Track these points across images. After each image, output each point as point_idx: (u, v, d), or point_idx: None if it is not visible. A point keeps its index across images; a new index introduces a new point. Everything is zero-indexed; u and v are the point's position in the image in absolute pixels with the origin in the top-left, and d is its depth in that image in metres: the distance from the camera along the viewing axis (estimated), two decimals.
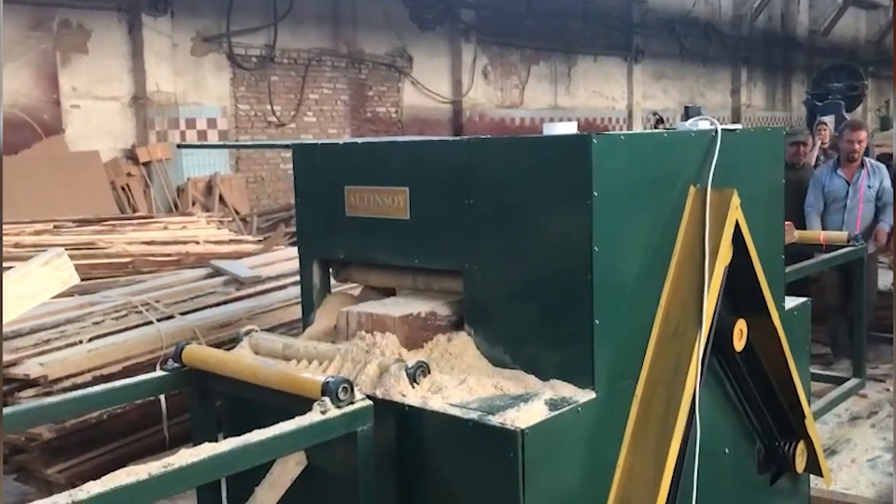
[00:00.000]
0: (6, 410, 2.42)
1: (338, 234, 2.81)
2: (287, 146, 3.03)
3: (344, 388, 2.12)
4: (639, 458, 2.34)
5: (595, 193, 2.20)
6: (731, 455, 2.86)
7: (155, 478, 1.76)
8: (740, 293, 2.70)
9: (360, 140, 2.87)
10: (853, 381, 4.63)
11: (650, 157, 2.45)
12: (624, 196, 2.32)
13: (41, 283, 2.62)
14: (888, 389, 5.25)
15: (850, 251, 4.55)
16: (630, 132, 2.48)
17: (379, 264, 2.80)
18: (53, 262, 2.68)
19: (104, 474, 3.68)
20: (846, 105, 14.24)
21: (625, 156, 2.33)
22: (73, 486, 3.60)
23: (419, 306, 2.56)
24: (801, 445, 3.09)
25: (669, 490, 2.30)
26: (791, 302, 3.25)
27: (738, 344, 2.65)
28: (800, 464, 3.10)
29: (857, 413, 4.85)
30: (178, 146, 3.93)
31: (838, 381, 4.65)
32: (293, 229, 9.62)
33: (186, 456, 1.84)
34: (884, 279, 6.67)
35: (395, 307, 2.57)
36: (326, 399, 2.10)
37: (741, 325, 2.65)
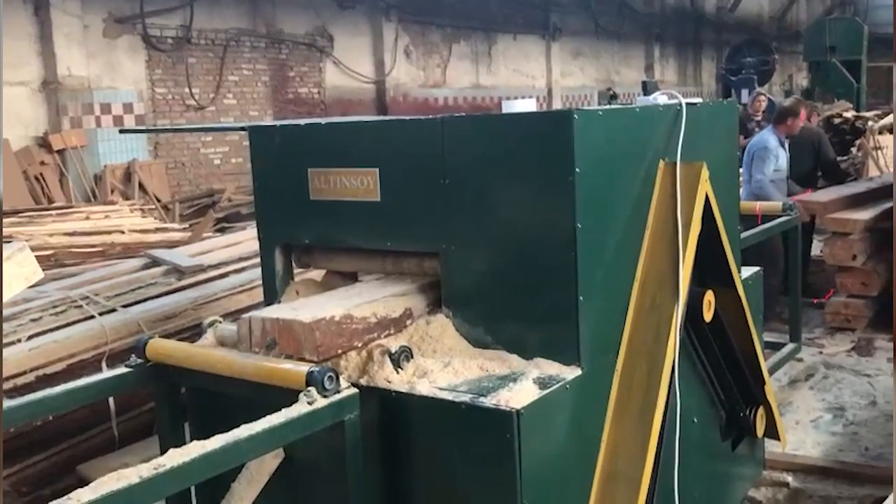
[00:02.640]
0: None
1: (301, 219, 2.73)
2: (243, 128, 2.91)
3: (329, 377, 2.06)
4: (623, 430, 2.36)
5: (577, 169, 2.18)
6: (698, 423, 2.91)
7: (147, 481, 1.68)
8: (708, 265, 2.74)
9: (323, 121, 2.77)
10: (791, 346, 4.79)
11: (624, 132, 2.45)
12: (603, 171, 2.31)
13: (3, 280, 2.43)
14: (821, 352, 5.46)
15: (787, 220, 4.69)
16: (606, 107, 2.48)
17: (345, 248, 2.73)
18: (15, 258, 2.50)
19: (51, 478, 3.51)
20: (758, 79, 14.72)
21: (602, 131, 2.33)
22: (19, 493, 3.43)
23: (355, 300, 2.38)
24: (760, 410, 3.18)
25: (654, 459, 2.33)
26: (745, 271, 3.33)
27: (708, 315, 2.69)
28: (760, 428, 3.20)
29: (796, 377, 5.03)
30: (121, 132, 3.69)
31: (775, 347, 4.80)
32: (220, 215, 9.38)
33: (177, 456, 1.76)
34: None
35: (310, 309, 2.33)
36: (312, 389, 2.04)
37: (709, 297, 2.70)
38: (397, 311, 2.42)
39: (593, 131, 2.26)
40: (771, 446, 3.60)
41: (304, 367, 2.10)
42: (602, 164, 2.31)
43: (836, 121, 11.79)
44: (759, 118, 9.53)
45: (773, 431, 3.30)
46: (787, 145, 6.30)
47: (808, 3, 28.15)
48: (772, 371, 4.49)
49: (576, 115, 2.18)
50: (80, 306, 3.86)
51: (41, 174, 9.34)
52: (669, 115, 2.64)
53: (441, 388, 2.16)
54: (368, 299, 2.41)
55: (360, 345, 2.30)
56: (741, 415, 3.13)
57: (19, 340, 3.54)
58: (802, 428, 4.26)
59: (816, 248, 6.81)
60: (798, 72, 23.90)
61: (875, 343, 5.56)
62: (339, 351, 2.25)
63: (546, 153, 2.22)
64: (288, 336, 2.23)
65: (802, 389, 4.84)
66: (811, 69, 16.23)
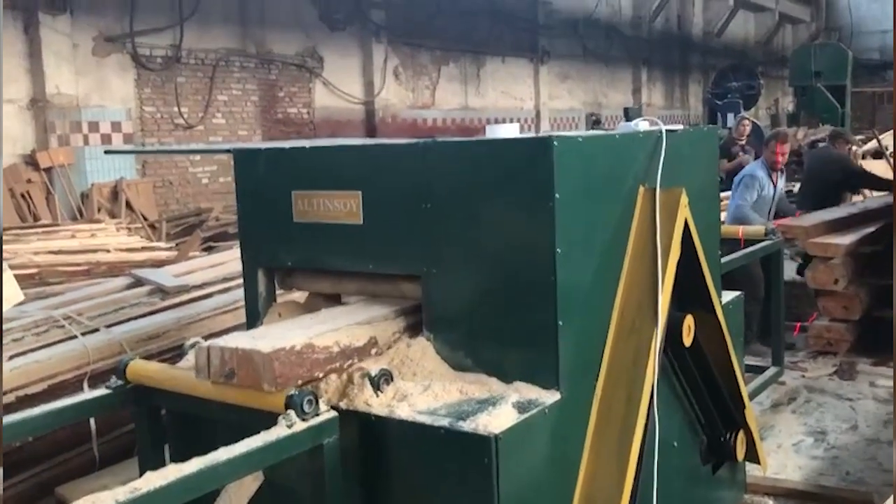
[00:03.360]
0: None
1: (285, 241, 2.74)
2: (228, 151, 2.93)
3: (309, 400, 2.07)
4: (602, 455, 2.37)
5: (557, 195, 2.21)
6: (679, 448, 2.92)
7: None
8: (687, 290, 2.76)
9: (307, 143, 2.79)
10: (773, 370, 4.82)
11: (604, 158, 2.48)
12: (582, 197, 2.34)
13: None
14: (804, 375, 5.49)
15: (769, 244, 4.73)
16: (585, 134, 2.51)
17: (328, 271, 2.74)
18: None
19: (30, 500, 3.48)
20: (744, 103, 14.87)
21: (582, 158, 2.35)
22: None
23: (318, 328, 2.33)
24: (740, 435, 3.19)
25: (633, 484, 2.34)
26: (726, 296, 3.36)
27: (687, 339, 2.71)
28: (740, 452, 3.21)
29: (778, 400, 5.05)
30: (106, 152, 3.71)
31: (758, 371, 4.83)
32: (208, 234, 9.37)
33: (154, 479, 1.76)
34: (789, 270, 6.99)
35: (270, 337, 2.27)
36: (291, 412, 2.05)
37: (689, 321, 2.72)
38: (361, 339, 2.37)
39: (573, 158, 2.28)
40: (752, 470, 3.61)
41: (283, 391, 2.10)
42: (582, 189, 2.33)
43: (821, 145, 11.93)
44: (743, 142, 9.62)
45: (753, 455, 3.31)
46: (777, 177, 6.37)
47: (794, 28, 28.52)
48: (754, 394, 4.52)
49: (556, 142, 2.20)
50: (63, 326, 3.85)
51: (28, 192, 9.32)
52: (650, 142, 2.67)
53: (420, 412, 2.17)
54: (332, 327, 2.36)
55: (321, 375, 2.25)
56: (721, 439, 3.14)
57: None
58: (784, 452, 4.28)
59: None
60: (784, 96, 24.15)
61: (857, 367, 5.60)
62: (300, 382, 2.19)
63: (526, 179, 2.25)
64: (247, 366, 2.16)
65: (785, 413, 4.86)
66: (797, 94, 16.45)
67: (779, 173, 6.36)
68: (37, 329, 3.81)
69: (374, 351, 2.39)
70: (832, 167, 7.75)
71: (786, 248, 6.92)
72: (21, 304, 4.45)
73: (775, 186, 6.34)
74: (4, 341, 3.66)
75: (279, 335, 2.29)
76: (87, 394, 2.60)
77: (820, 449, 4.33)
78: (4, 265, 2.64)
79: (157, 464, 2.43)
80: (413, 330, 2.53)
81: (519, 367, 2.31)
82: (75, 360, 3.63)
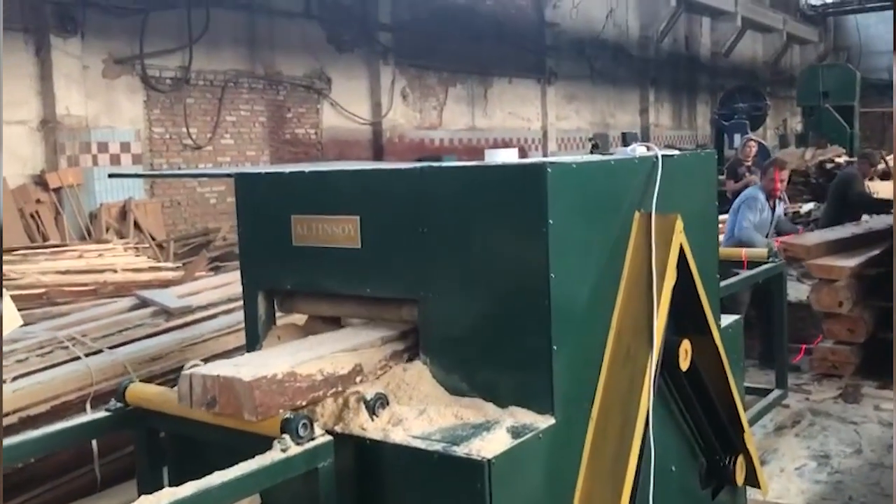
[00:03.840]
0: None
1: (284, 264, 2.77)
2: (229, 175, 2.96)
3: (304, 424, 2.09)
4: (597, 480, 2.37)
5: (550, 221, 2.23)
6: (677, 472, 2.92)
7: None
8: (684, 314, 2.78)
9: (307, 168, 2.83)
10: (777, 392, 4.81)
11: (599, 184, 2.51)
12: (576, 222, 2.36)
13: None
14: (807, 398, 5.47)
15: (772, 267, 4.74)
16: (580, 159, 2.53)
17: (327, 294, 2.76)
18: None
19: None
20: (750, 124, 14.89)
21: (576, 183, 2.38)
22: None
23: (302, 356, 2.31)
24: (740, 459, 3.19)
25: None
26: (725, 320, 3.36)
27: (684, 364, 2.72)
28: (739, 477, 3.20)
29: (781, 423, 5.03)
30: (110, 176, 3.77)
31: (762, 393, 4.82)
32: (215, 254, 9.42)
33: (149, 503, 1.77)
34: (794, 291, 6.98)
35: (253, 365, 2.25)
36: (286, 436, 2.06)
37: (686, 346, 2.72)
38: (346, 367, 2.34)
39: (567, 184, 2.31)
40: (755, 494, 3.60)
41: (279, 414, 2.12)
42: (576, 215, 2.35)
43: (829, 165, 11.93)
44: (749, 163, 9.64)
45: (753, 479, 3.30)
46: (776, 202, 6.44)
47: (802, 49, 28.60)
48: (757, 417, 4.52)
49: (549, 168, 2.23)
50: (67, 347, 3.88)
51: (37, 212, 9.40)
52: (646, 167, 2.69)
53: (415, 437, 2.18)
54: (316, 355, 2.34)
55: (303, 403, 2.22)
56: (721, 463, 3.13)
57: (4, 381, 3.55)
58: (787, 476, 4.26)
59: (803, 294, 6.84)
60: (792, 116, 24.19)
61: (862, 390, 5.57)
62: (280, 410, 2.15)
63: (520, 205, 2.27)
64: (228, 394, 2.15)
65: (788, 436, 4.84)
66: (805, 114, 16.46)
67: (776, 199, 6.43)
68: (41, 350, 3.84)
69: (358, 379, 2.37)
70: (842, 187, 7.91)
71: (791, 269, 6.95)
72: (27, 324, 4.49)
73: (773, 211, 6.40)
74: (9, 362, 3.70)
75: (262, 363, 2.27)
76: (89, 416, 2.63)
77: (823, 473, 4.31)
78: (4, 290, 2.66)
79: (156, 486, 2.44)
80: (401, 356, 2.52)
81: (514, 391, 2.32)
82: (78, 381, 3.66)
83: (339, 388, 2.31)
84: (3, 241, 2.73)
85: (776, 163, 6.71)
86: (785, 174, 6.56)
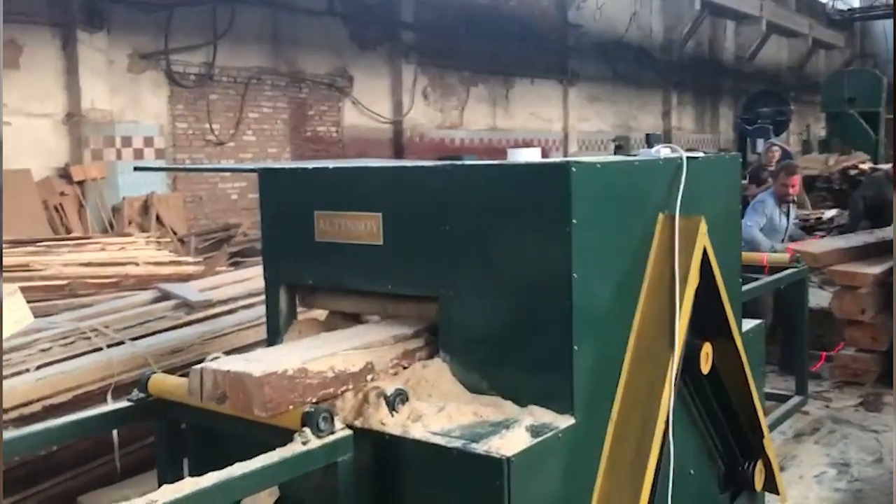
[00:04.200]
0: None
1: (306, 260, 2.78)
2: (253, 170, 2.98)
3: (324, 417, 2.09)
4: (615, 481, 2.36)
5: (574, 220, 2.23)
6: (695, 475, 2.91)
7: None
8: (706, 317, 2.76)
9: (330, 165, 2.84)
10: (797, 399, 4.77)
11: (623, 185, 2.50)
12: (600, 223, 2.35)
13: None
14: (828, 406, 5.43)
15: (794, 272, 4.70)
16: (604, 160, 2.53)
17: (348, 290, 2.77)
18: (6, 302, 2.54)
19: None
20: (774, 129, 14.79)
21: (601, 183, 2.37)
22: None
23: (314, 352, 2.28)
24: (759, 464, 3.17)
25: None
26: (747, 324, 3.34)
27: (705, 367, 2.71)
28: (758, 482, 3.18)
29: (801, 430, 4.99)
30: (136, 169, 3.80)
31: (781, 399, 4.78)
32: (235, 249, 9.48)
33: (169, 492, 1.79)
34: (815, 298, 6.92)
35: (265, 361, 2.22)
36: (307, 429, 2.07)
37: (707, 349, 2.71)
38: (357, 365, 2.32)
39: (591, 184, 2.30)
40: (773, 501, 3.57)
41: (300, 407, 2.13)
42: (599, 215, 2.35)
43: (853, 172, 11.82)
44: (772, 168, 9.57)
45: (772, 486, 3.28)
46: (788, 208, 6.45)
47: (828, 54, 28.34)
48: (777, 423, 4.48)
49: (573, 168, 2.22)
50: (89, 338, 3.92)
51: (60, 204, 9.50)
52: (670, 169, 2.68)
53: (434, 433, 2.18)
54: (328, 352, 2.32)
55: (314, 400, 2.19)
56: (740, 468, 3.12)
57: (28, 370, 3.60)
58: (806, 483, 4.23)
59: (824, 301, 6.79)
60: (816, 122, 23.98)
61: (883, 398, 5.52)
62: (290, 407, 2.13)
63: (544, 204, 2.27)
64: (238, 390, 2.13)
65: (807, 443, 4.80)
66: (829, 120, 16.30)
67: (790, 205, 6.43)
68: (64, 340, 3.89)
69: (370, 377, 2.35)
70: (868, 191, 7.84)
71: (812, 276, 6.90)
72: (50, 315, 4.54)
73: (787, 217, 6.39)
74: (32, 351, 3.74)
75: (273, 359, 2.25)
76: (111, 406, 2.65)
77: (843, 481, 4.27)
78: (15, 287, 2.68)
79: (176, 477, 2.46)
80: (413, 355, 2.51)
81: (534, 390, 2.31)
82: (100, 371, 3.69)
83: (350, 386, 2.30)
84: (2, 240, 2.74)
85: (786, 168, 6.70)
86: (796, 180, 6.55)
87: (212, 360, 2.67)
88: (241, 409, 2.15)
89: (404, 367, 2.47)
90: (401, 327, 2.60)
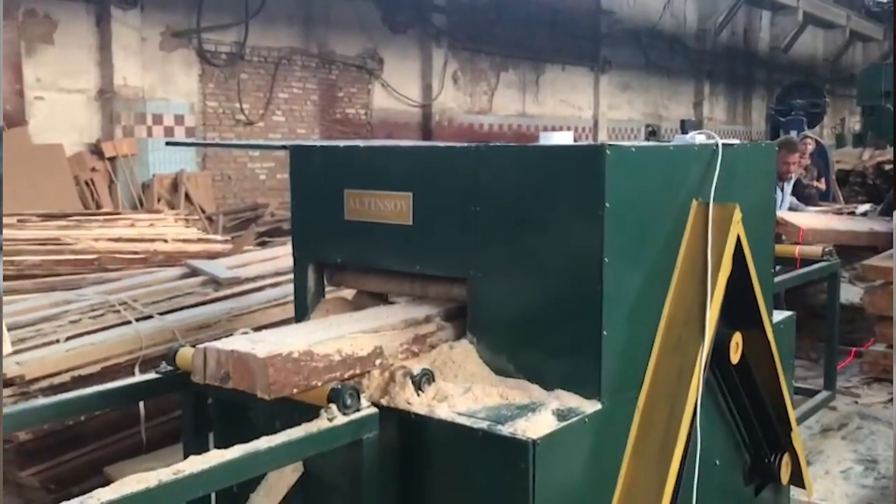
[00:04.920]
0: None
1: (335, 238, 2.77)
2: (284, 147, 2.98)
3: (351, 394, 2.09)
4: (641, 469, 2.34)
5: (607, 204, 2.20)
6: (721, 466, 2.88)
7: (165, 485, 1.72)
8: (737, 307, 2.72)
9: (361, 143, 2.83)
10: (824, 394, 4.71)
11: (657, 170, 2.46)
12: (633, 207, 2.32)
13: None
14: (856, 402, 5.36)
15: (826, 266, 4.63)
16: (639, 144, 2.49)
17: (376, 270, 2.77)
18: None
19: (79, 477, 3.59)
20: (808, 121, 14.55)
21: (635, 167, 2.34)
22: (47, 490, 3.51)
23: (321, 335, 2.23)
24: (786, 457, 3.13)
25: (671, 501, 2.31)
26: (777, 315, 3.29)
27: (735, 357, 2.68)
28: (784, 475, 3.14)
29: (828, 425, 4.94)
30: (167, 143, 3.85)
31: (809, 394, 4.73)
32: (262, 229, 9.53)
33: (197, 463, 1.80)
34: (846, 293, 6.82)
35: (270, 342, 2.19)
36: (333, 406, 2.07)
37: (737, 338, 2.68)
38: (366, 349, 2.28)
39: (625, 167, 2.27)
40: (797, 494, 3.54)
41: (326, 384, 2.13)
42: (633, 200, 2.32)
43: (888, 167, 11.61)
44: (805, 160, 9.42)
45: (798, 479, 3.24)
46: (785, 185, 6.54)
47: (865, 46, 27.83)
48: (804, 418, 4.43)
49: (608, 151, 2.20)
50: (118, 311, 3.96)
51: (91, 180, 9.60)
52: (705, 155, 2.64)
53: (460, 414, 2.18)
54: (336, 335, 2.27)
55: (318, 384, 2.14)
56: (766, 460, 3.08)
57: (58, 341, 3.64)
58: (832, 478, 4.18)
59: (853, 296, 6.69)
60: (850, 115, 23.58)
61: None
62: (295, 390, 2.10)
63: (577, 187, 2.24)
64: (241, 370, 2.09)
65: (834, 439, 4.75)
66: (864, 113, 16.00)
67: (786, 182, 6.47)
68: (93, 312, 3.93)
69: (378, 361, 2.31)
70: None
71: (843, 271, 6.81)
72: (78, 287, 4.59)
73: (782, 192, 6.43)
74: (62, 322, 3.78)
75: (278, 340, 2.21)
76: (139, 377, 2.67)
77: (870, 478, 4.22)
78: None
79: (201, 450, 2.46)
80: (424, 340, 2.46)
81: (561, 374, 2.30)
82: (128, 344, 3.73)
83: (357, 371, 2.25)
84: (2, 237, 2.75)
85: (786, 144, 6.75)
86: (795, 157, 6.60)
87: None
88: (243, 390, 2.10)
89: (414, 353, 2.42)
90: (414, 311, 2.54)
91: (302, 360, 2.13)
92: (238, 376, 2.12)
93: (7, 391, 3.29)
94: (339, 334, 2.29)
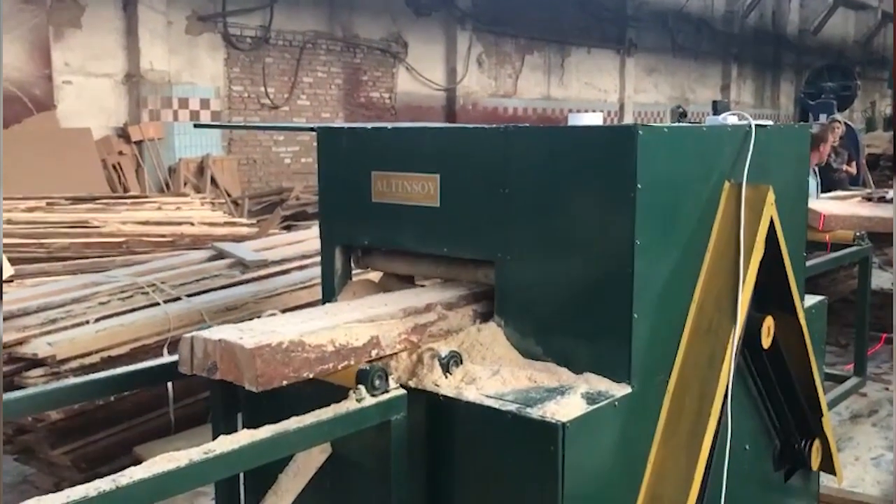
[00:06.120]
0: (19, 392, 2.37)
1: (362, 220, 2.76)
2: (312, 129, 2.97)
3: (379, 376, 2.09)
4: (670, 453, 2.32)
5: (639, 185, 2.17)
6: (750, 451, 2.85)
7: (196, 464, 1.73)
8: (769, 291, 2.69)
9: (389, 125, 2.81)
10: (854, 380, 4.66)
11: (689, 151, 2.43)
12: (665, 189, 2.29)
13: None
14: (887, 388, 5.29)
15: (857, 250, 4.57)
16: (671, 125, 2.46)
17: (403, 252, 2.76)
18: None
19: (109, 456, 3.63)
20: (838, 104, 14.34)
21: (667, 148, 2.31)
22: (78, 468, 3.56)
23: (316, 324, 2.15)
24: (816, 443, 3.09)
25: (701, 485, 2.29)
26: (809, 300, 3.25)
27: (766, 341, 2.64)
28: (815, 462, 3.11)
29: (858, 411, 4.88)
30: (195, 126, 3.85)
31: (838, 380, 4.67)
32: (287, 213, 9.56)
33: (226, 443, 1.81)
34: (877, 279, 6.72)
35: (259, 332, 2.10)
36: (362, 387, 2.07)
37: (769, 323, 2.64)
38: (361, 339, 2.18)
39: (658, 148, 2.24)
40: (827, 481, 3.50)
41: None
42: (665, 181, 2.28)
43: None
44: (835, 144, 9.27)
45: (829, 466, 3.20)
46: (817, 172, 6.53)
47: None
48: (834, 404, 4.38)
49: (640, 131, 2.16)
50: (147, 293, 3.99)
51: (118, 163, 9.68)
52: (738, 136, 2.60)
53: (488, 396, 2.16)
54: (330, 324, 2.17)
55: (309, 375, 2.06)
56: (796, 446, 3.05)
57: (87, 322, 3.68)
58: (862, 465, 4.14)
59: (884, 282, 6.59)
60: (882, 99, 23.21)
61: None
62: (284, 382, 2.02)
63: (608, 167, 2.21)
64: (229, 361, 2.01)
65: (865, 425, 4.69)
66: None
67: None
68: (122, 294, 3.96)
69: (374, 352, 2.21)
70: None
71: (874, 256, 6.71)
72: (107, 269, 4.63)
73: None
74: (91, 304, 3.82)
75: (269, 329, 2.11)
76: (168, 358, 2.69)
77: None
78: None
79: (230, 431, 2.49)
80: (423, 330, 2.37)
81: (590, 358, 2.28)
82: (157, 325, 3.77)
83: (352, 362, 2.15)
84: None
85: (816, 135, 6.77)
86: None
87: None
88: (231, 382, 2.03)
89: (413, 343, 2.33)
90: (414, 299, 2.46)
91: (292, 350, 2.03)
92: (225, 367, 2.03)
93: (39, 371, 3.33)
94: (334, 324, 2.19)
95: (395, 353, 2.32)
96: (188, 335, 2.13)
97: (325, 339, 2.11)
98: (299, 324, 2.19)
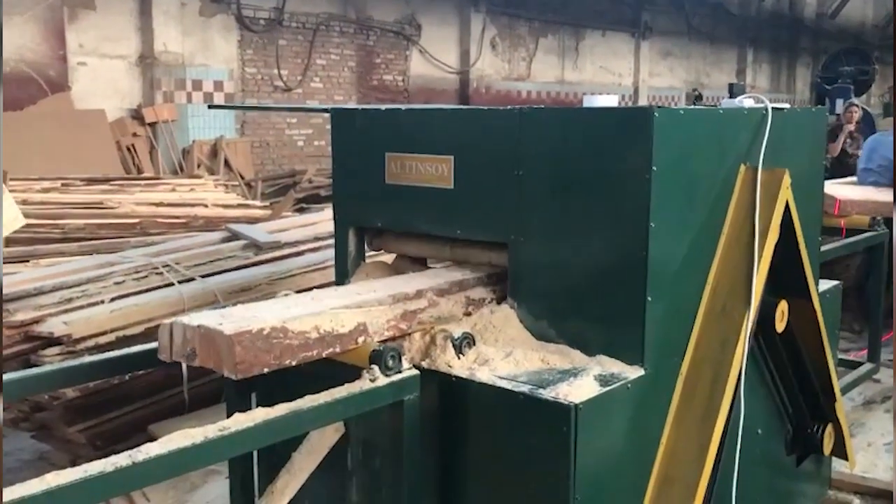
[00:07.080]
0: (34, 371, 2.40)
1: (376, 202, 2.76)
2: (326, 110, 2.97)
3: (392, 356, 2.09)
4: (682, 436, 2.33)
5: (654, 168, 2.16)
6: (763, 435, 2.85)
7: (211, 441, 1.74)
8: (783, 274, 2.68)
9: (403, 107, 2.81)
10: (868, 366, 4.63)
11: (705, 133, 2.41)
12: (680, 171, 2.28)
13: None
14: None
15: (873, 236, 4.53)
16: (688, 107, 2.44)
17: (416, 234, 2.76)
18: None
19: (124, 434, 3.66)
20: (855, 89, 14.20)
21: (683, 130, 2.30)
22: (94, 446, 3.59)
23: (300, 309, 2.09)
24: (829, 428, 3.09)
25: (713, 467, 2.30)
26: (823, 285, 3.23)
27: (780, 325, 2.64)
28: (827, 446, 3.11)
29: (871, 397, 4.86)
30: (210, 107, 3.88)
31: (852, 366, 4.65)
32: (300, 195, 9.57)
33: (241, 421, 1.82)
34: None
35: (240, 317, 2.02)
36: (375, 367, 2.08)
37: (783, 307, 2.64)
38: (347, 325, 2.11)
39: (673, 130, 2.23)
40: (839, 466, 3.50)
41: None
42: (680, 163, 2.27)
43: None
44: (851, 129, 9.19)
45: (841, 451, 3.20)
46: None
47: None
48: (847, 389, 4.36)
49: (656, 113, 2.15)
50: (161, 273, 4.02)
51: (133, 145, 9.71)
52: (754, 119, 2.58)
53: (501, 377, 2.17)
54: (315, 310, 2.10)
55: (292, 363, 2.01)
56: (808, 431, 3.05)
57: (102, 302, 3.70)
58: (874, 451, 4.12)
59: None
60: None
61: None
62: (265, 369, 1.96)
63: (624, 150, 2.20)
64: (208, 347, 1.95)
65: (877, 411, 4.67)
66: None
67: None
68: (137, 275, 3.99)
69: (361, 339, 2.14)
70: None
71: None
72: (121, 249, 4.66)
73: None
74: (107, 284, 3.85)
75: (251, 315, 2.04)
76: None
77: None
78: (4, 189, 2.64)
79: (243, 410, 2.50)
80: (413, 317, 2.32)
81: (603, 340, 2.28)
82: (171, 305, 3.79)
83: (337, 349, 2.09)
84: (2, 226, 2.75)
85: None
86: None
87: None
88: (210, 368, 1.99)
89: (403, 330, 2.28)
90: (403, 285, 2.41)
91: (274, 337, 1.97)
92: (205, 354, 1.98)
93: (55, 349, 3.36)
94: (320, 310, 2.12)
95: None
96: (167, 321, 2.07)
97: (309, 326, 2.05)
98: (283, 310, 2.13)
